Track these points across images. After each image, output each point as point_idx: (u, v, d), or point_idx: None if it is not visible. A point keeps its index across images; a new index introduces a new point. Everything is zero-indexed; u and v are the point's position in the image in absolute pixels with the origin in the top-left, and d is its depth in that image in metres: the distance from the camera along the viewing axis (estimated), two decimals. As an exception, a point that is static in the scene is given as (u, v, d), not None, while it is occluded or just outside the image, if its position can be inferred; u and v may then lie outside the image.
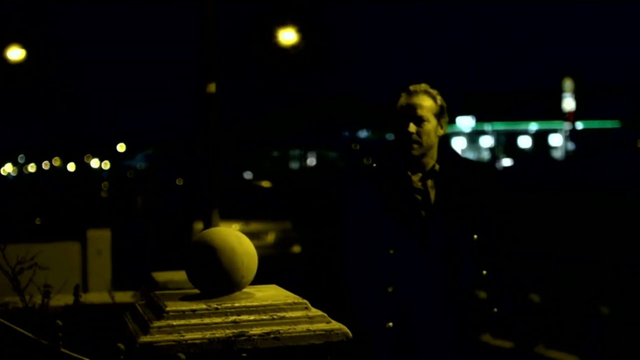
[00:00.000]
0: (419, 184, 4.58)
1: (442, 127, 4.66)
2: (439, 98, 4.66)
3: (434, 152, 4.65)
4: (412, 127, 4.55)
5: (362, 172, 4.69)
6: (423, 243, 4.46)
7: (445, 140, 4.68)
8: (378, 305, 4.44)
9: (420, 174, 4.62)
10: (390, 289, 4.43)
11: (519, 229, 24.08)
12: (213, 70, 9.10)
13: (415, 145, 4.56)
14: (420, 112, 4.57)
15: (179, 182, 41.35)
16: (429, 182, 4.59)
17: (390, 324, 4.39)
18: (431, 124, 4.59)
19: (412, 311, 4.37)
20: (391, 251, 4.44)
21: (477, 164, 4.72)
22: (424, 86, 4.66)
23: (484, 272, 4.25)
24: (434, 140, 4.63)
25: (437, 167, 4.62)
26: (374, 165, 4.65)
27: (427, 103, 4.59)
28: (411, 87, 4.66)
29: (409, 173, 4.60)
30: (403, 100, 4.65)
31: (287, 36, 27.78)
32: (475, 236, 4.44)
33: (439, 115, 4.64)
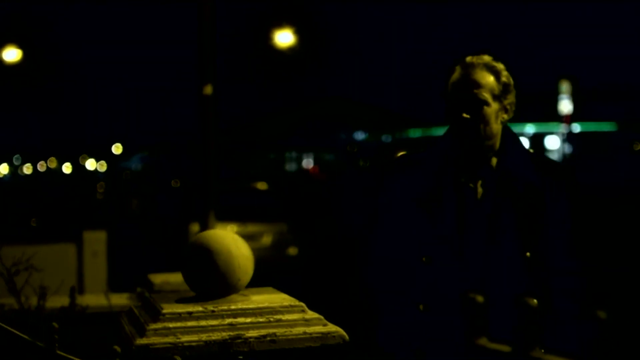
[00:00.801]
0: (469, 183, 3.67)
1: (506, 111, 3.69)
2: (504, 74, 3.67)
3: (495, 143, 3.69)
4: (466, 116, 3.61)
5: (405, 159, 3.79)
6: (458, 253, 3.59)
7: (509, 129, 3.77)
8: (406, 326, 3.63)
9: (468, 170, 3.69)
10: (421, 307, 3.64)
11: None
12: (210, 72, 9.10)
13: (469, 135, 3.61)
14: (478, 91, 3.60)
15: (175, 183, 41.33)
16: (480, 181, 3.67)
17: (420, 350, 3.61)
18: (492, 108, 3.61)
19: (446, 336, 3.55)
20: (424, 259, 3.63)
21: (549, 163, 3.77)
22: (485, 58, 3.67)
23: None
24: (496, 129, 3.66)
25: (494, 161, 3.68)
26: (421, 151, 3.78)
27: (487, 80, 3.60)
28: (468, 59, 3.67)
29: (456, 166, 3.70)
30: (456, 76, 3.67)
31: (285, 37, 27.79)
32: (529, 253, 3.56)
33: (502, 96, 3.65)
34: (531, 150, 3.77)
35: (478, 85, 3.60)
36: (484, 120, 3.61)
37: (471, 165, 3.68)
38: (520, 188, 3.63)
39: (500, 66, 3.66)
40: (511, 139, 3.73)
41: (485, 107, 3.61)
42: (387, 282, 3.70)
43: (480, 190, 3.66)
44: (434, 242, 3.61)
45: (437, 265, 3.60)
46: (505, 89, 3.66)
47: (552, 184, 3.67)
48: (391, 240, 3.70)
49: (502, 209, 3.60)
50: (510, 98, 3.68)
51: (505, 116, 3.70)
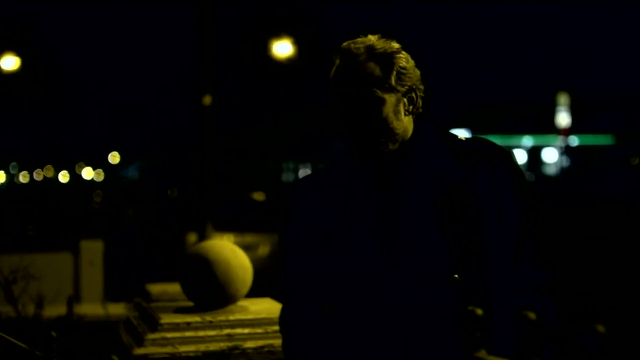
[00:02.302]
0: (383, 194, 2.85)
1: (411, 101, 2.85)
2: (398, 57, 2.82)
3: (404, 137, 2.86)
4: (359, 116, 2.81)
5: (307, 181, 3.02)
6: (377, 291, 2.82)
7: (422, 120, 2.92)
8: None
9: (380, 178, 2.88)
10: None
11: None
12: (209, 82, 9.11)
13: (362, 141, 2.83)
14: (362, 87, 2.79)
15: (172, 192, 41.30)
16: (395, 189, 2.86)
17: None
18: (386, 104, 2.79)
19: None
20: (325, 307, 2.87)
21: (479, 149, 2.91)
22: (370, 41, 2.84)
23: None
24: (399, 125, 2.83)
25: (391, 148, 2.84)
26: (324, 168, 3.04)
27: (372, 70, 2.79)
28: (345, 45, 2.84)
29: (363, 177, 2.90)
30: (335, 69, 2.85)
31: (283, 48, 27.81)
32: (457, 275, 2.77)
33: (398, 85, 2.81)
34: (461, 137, 2.94)
35: (361, 78, 2.77)
36: (379, 120, 2.77)
37: (383, 171, 2.85)
38: (443, 188, 2.81)
39: (390, 47, 2.80)
40: (423, 131, 2.88)
41: (374, 105, 2.77)
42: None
43: (398, 202, 2.83)
44: (352, 282, 2.80)
45: (356, 312, 2.80)
46: (399, 76, 2.79)
47: (485, 175, 2.84)
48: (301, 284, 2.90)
49: (428, 221, 2.79)
50: (410, 83, 2.82)
51: (411, 107, 2.84)
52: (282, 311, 2.94)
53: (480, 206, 2.81)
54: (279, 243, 2.97)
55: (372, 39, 2.82)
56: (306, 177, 3.02)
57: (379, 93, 2.78)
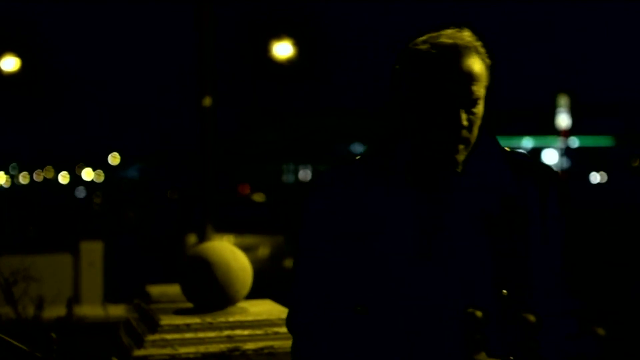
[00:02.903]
0: (428, 198, 2.62)
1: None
2: (487, 55, 2.64)
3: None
4: (464, 117, 2.54)
5: (335, 173, 2.70)
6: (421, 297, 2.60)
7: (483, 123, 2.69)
8: None
9: (427, 181, 2.64)
10: None
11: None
12: (209, 84, 9.11)
13: (462, 147, 2.57)
14: (475, 87, 2.55)
15: (172, 194, 41.32)
16: (442, 195, 2.64)
17: None
18: (481, 106, 2.59)
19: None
20: (359, 308, 2.64)
21: (530, 163, 2.76)
22: (470, 37, 2.60)
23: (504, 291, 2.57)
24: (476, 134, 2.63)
25: (459, 166, 2.62)
26: (355, 160, 2.73)
27: (480, 68, 2.57)
28: (452, 40, 2.57)
29: (412, 177, 2.65)
30: (443, 63, 2.55)
31: (283, 49, 27.82)
32: (505, 291, 2.59)
33: (489, 86, 2.63)
34: (507, 148, 2.77)
35: (473, 77, 2.55)
36: (475, 122, 2.58)
37: (430, 174, 2.63)
38: (495, 200, 2.64)
39: (483, 45, 2.63)
40: (484, 135, 2.67)
41: (479, 105, 2.57)
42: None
43: (443, 207, 2.62)
44: (382, 284, 2.58)
45: (384, 315, 2.59)
46: (490, 75, 2.64)
47: (536, 190, 2.70)
48: (323, 289, 2.64)
49: (474, 231, 2.60)
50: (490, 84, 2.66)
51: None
52: (296, 312, 2.70)
53: (530, 222, 2.65)
54: (293, 242, 2.79)
55: (467, 33, 2.61)
56: (330, 171, 2.70)
57: (482, 92, 2.57)
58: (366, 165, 2.67)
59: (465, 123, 2.52)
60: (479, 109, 2.57)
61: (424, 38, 2.59)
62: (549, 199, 2.70)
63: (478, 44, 2.59)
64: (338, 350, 2.64)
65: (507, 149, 2.75)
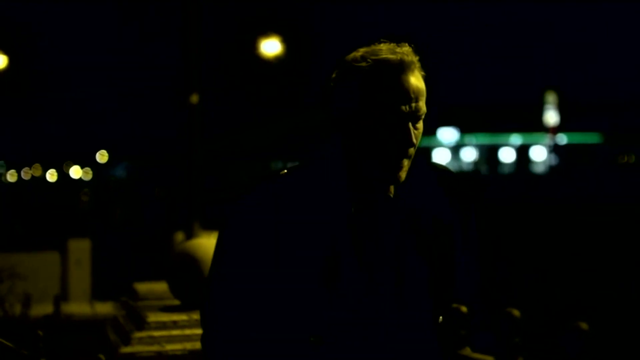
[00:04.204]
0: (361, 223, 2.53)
1: None
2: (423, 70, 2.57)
3: None
4: (413, 133, 2.47)
5: (263, 190, 2.53)
6: (365, 326, 2.49)
7: None
8: None
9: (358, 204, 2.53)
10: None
11: (499, 242, 24.12)
12: (195, 81, 9.11)
13: (406, 162, 2.50)
14: (421, 104, 2.49)
15: (160, 192, 41.28)
16: (373, 219, 2.54)
17: None
18: (422, 123, 2.53)
19: None
20: (312, 339, 2.46)
21: (459, 180, 2.68)
22: (411, 52, 2.53)
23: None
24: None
25: (391, 189, 2.55)
26: (283, 176, 2.58)
27: (422, 84, 2.52)
28: (398, 57, 2.49)
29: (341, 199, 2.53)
30: (391, 78, 2.49)
31: (271, 46, 27.80)
32: (441, 318, 2.62)
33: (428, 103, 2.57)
34: (437, 166, 2.70)
35: (420, 93, 2.49)
36: (419, 138, 2.51)
37: (361, 197, 2.52)
38: (428, 225, 2.57)
39: (420, 60, 2.54)
40: (416, 156, 2.58)
41: (421, 122, 2.50)
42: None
43: (379, 232, 2.52)
44: (327, 311, 2.43)
45: (334, 346, 2.44)
46: (428, 90, 2.57)
47: (462, 211, 2.66)
48: (250, 315, 2.45)
49: (409, 256, 2.53)
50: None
51: None
52: (213, 340, 2.49)
53: (457, 249, 2.63)
54: (216, 252, 2.48)
55: (407, 49, 2.52)
56: (268, 183, 2.53)
57: (425, 109, 2.50)
58: (294, 183, 2.53)
59: (414, 140, 2.45)
60: (421, 125, 2.50)
61: (360, 54, 2.52)
62: (469, 218, 2.66)
63: (416, 58, 2.51)
64: None
65: (433, 164, 2.68)
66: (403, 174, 2.48)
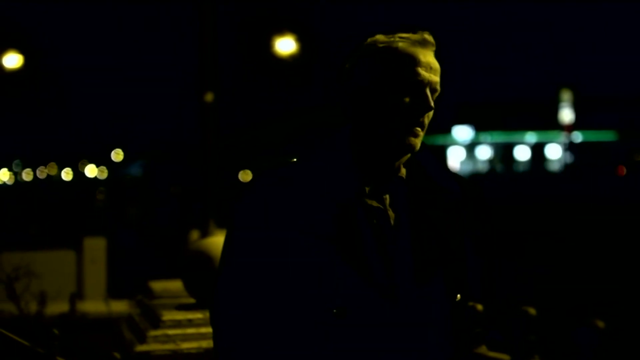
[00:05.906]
0: (374, 202, 2.53)
1: None
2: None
3: None
4: (431, 100, 2.48)
5: (275, 176, 2.57)
6: (388, 301, 2.47)
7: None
8: None
9: (370, 185, 2.54)
10: None
11: (513, 241, 24.06)
12: (210, 79, 9.11)
13: (420, 131, 2.50)
14: (438, 80, 2.54)
15: (175, 190, 41.30)
16: (387, 198, 2.55)
17: None
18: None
19: None
20: (335, 311, 2.42)
21: (459, 175, 2.69)
22: (430, 37, 2.57)
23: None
24: None
25: (403, 171, 2.58)
26: (296, 163, 2.62)
27: (439, 67, 2.56)
28: (419, 36, 2.55)
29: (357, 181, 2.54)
30: (416, 54, 2.53)
31: (285, 45, 27.81)
32: (459, 295, 2.60)
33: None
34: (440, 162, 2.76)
35: (438, 71, 2.54)
36: (431, 113, 2.55)
37: (376, 178, 2.55)
38: (441, 205, 2.62)
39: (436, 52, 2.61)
40: (424, 147, 2.64)
41: (434, 101, 2.52)
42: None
43: (391, 213, 2.54)
44: (350, 288, 2.43)
45: (357, 318, 2.44)
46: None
47: (469, 200, 2.69)
48: (269, 292, 2.42)
49: (424, 236, 2.55)
50: None
51: None
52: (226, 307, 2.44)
53: (467, 232, 2.67)
54: (225, 247, 2.40)
55: (429, 36, 2.58)
56: (277, 171, 2.56)
57: (439, 90, 2.54)
58: (303, 167, 2.55)
59: (432, 104, 2.46)
60: (432, 108, 2.49)
61: (381, 35, 2.57)
62: (478, 210, 2.71)
63: (435, 44, 2.55)
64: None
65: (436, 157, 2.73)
66: (418, 142, 2.49)
